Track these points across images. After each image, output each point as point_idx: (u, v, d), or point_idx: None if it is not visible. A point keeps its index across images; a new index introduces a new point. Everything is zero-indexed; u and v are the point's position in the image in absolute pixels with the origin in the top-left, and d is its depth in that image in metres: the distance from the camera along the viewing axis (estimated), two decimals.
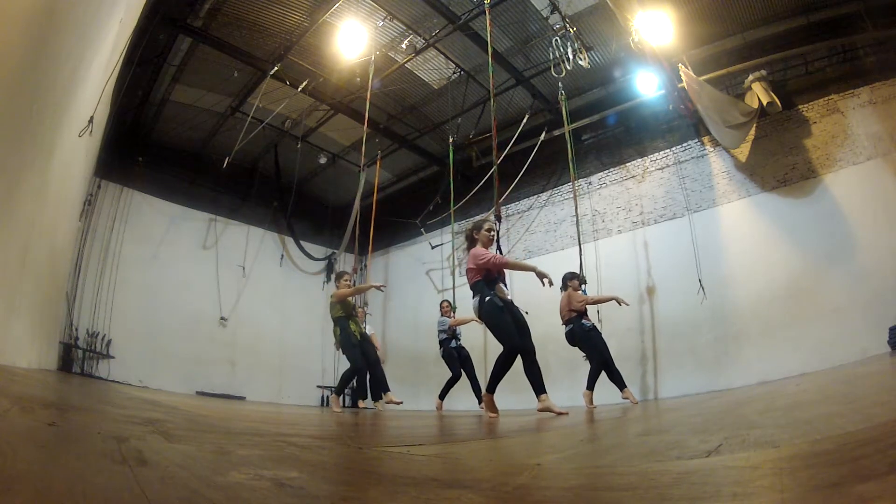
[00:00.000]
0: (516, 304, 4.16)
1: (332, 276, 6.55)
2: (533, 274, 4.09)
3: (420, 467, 1.46)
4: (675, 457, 1.38)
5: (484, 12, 6.26)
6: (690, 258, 7.17)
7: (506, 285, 4.13)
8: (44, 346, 5.35)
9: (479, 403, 6.40)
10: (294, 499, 0.91)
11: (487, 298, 3.93)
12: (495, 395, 4.04)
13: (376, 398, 6.14)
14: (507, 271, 4.30)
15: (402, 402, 5.95)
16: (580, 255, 6.76)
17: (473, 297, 4.08)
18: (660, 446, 1.75)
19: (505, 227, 9.78)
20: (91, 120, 4.46)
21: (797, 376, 5.60)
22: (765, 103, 6.73)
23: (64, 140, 4.20)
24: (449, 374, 6.67)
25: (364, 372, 5.92)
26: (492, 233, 4.27)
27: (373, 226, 8.05)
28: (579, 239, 7.03)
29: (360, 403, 6.57)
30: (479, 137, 9.26)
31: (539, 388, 3.95)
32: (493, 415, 3.97)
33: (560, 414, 3.89)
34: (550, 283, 4.06)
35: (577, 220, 7.11)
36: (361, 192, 7.82)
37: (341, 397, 6.32)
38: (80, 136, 4.31)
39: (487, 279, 4.03)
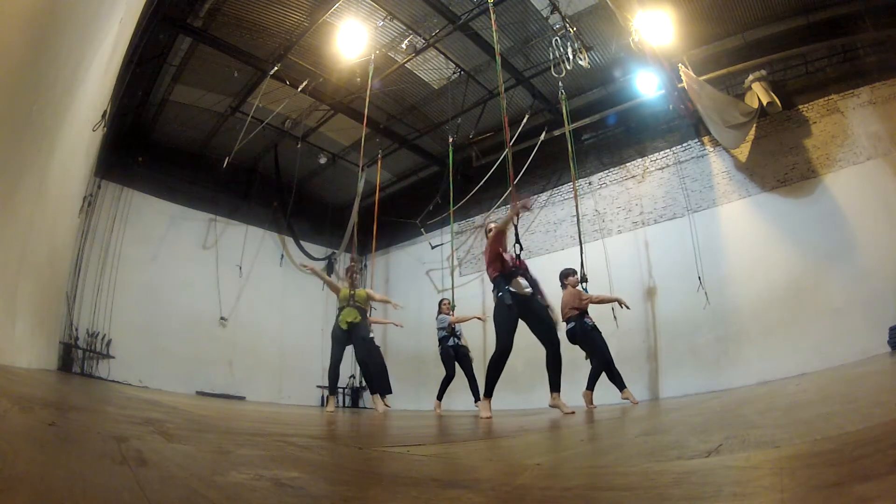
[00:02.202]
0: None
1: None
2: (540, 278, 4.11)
3: (420, 467, 1.46)
4: (675, 457, 1.38)
5: (484, 12, 6.26)
6: (691, 258, 7.17)
7: (529, 280, 4.03)
8: (44, 346, 5.34)
9: (476, 402, 6.39)
10: (294, 499, 0.91)
11: (499, 294, 3.90)
12: (493, 396, 3.99)
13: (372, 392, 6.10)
14: (528, 267, 4.23)
15: (381, 412, 5.87)
16: (581, 254, 6.74)
17: (493, 291, 4.06)
18: (660, 446, 1.76)
19: None
20: (105, 114, 4.46)
21: (797, 376, 5.60)
22: (765, 103, 6.73)
23: (64, 140, 4.19)
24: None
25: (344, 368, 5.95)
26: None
27: (376, 225, 8.03)
28: (580, 238, 6.99)
29: (379, 401, 6.43)
30: (479, 137, 9.25)
31: (554, 384, 3.95)
32: (486, 416, 3.92)
33: (567, 413, 3.89)
34: (527, 209, 4.05)
35: (578, 220, 7.07)
36: (361, 193, 7.82)
37: (342, 397, 6.27)
38: (94, 131, 4.31)
39: (504, 273, 3.97)
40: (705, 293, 6.89)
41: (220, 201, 10.06)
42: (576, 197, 7.33)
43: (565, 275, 5.86)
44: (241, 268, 10.00)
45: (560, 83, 7.00)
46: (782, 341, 6.18)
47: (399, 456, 1.71)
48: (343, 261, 11.63)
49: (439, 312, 6.86)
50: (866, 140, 6.23)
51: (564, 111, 7.28)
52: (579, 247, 6.88)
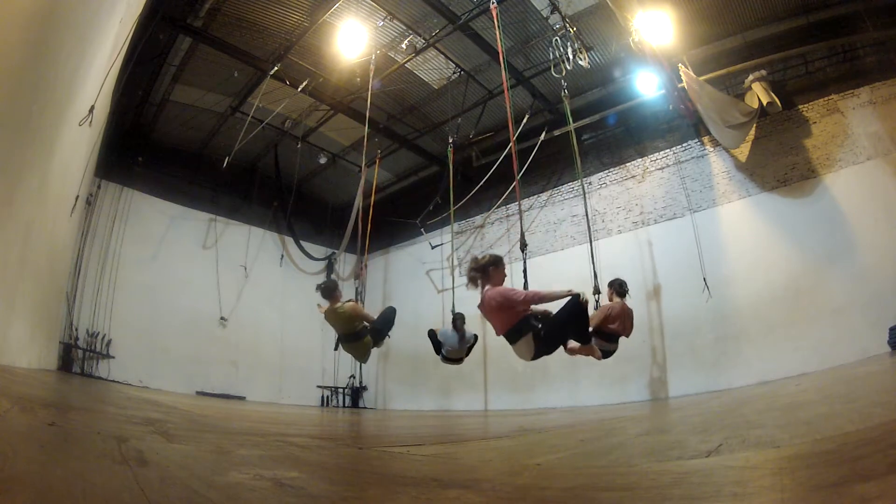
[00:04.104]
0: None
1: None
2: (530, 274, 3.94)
3: (420, 467, 1.46)
4: (676, 457, 1.38)
5: (484, 12, 6.24)
6: (691, 258, 7.17)
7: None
8: (44, 346, 5.34)
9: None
10: (294, 499, 0.91)
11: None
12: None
13: None
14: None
15: None
16: (591, 252, 6.10)
17: (522, 336, 3.35)
18: (660, 446, 1.76)
19: (505, 227, 9.78)
20: (92, 109, 4.44)
21: (797, 376, 5.60)
22: (765, 103, 6.72)
23: (64, 140, 4.19)
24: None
25: None
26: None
27: (370, 226, 7.95)
28: (590, 236, 6.43)
29: None
30: (479, 137, 9.25)
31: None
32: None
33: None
34: (586, 302, 3.60)
35: (588, 217, 6.60)
36: (362, 192, 7.80)
37: (342, 397, 6.03)
38: (80, 125, 4.30)
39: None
40: (709, 292, 6.85)
41: (220, 201, 10.06)
42: (584, 194, 7.17)
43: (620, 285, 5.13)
44: (245, 268, 10.01)
45: (563, 81, 6.91)
46: (782, 341, 6.18)
47: (399, 456, 1.71)
48: (344, 260, 11.63)
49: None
50: (866, 140, 6.23)
51: (566, 110, 7.16)
52: (590, 244, 6.26)
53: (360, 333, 4.94)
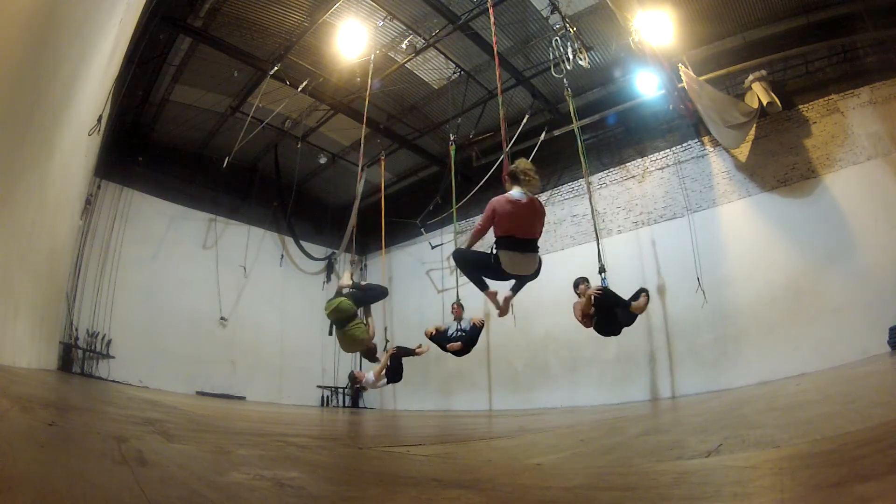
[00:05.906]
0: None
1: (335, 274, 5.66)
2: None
3: (420, 467, 1.46)
4: (675, 457, 1.38)
5: (484, 12, 6.22)
6: (691, 258, 7.17)
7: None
8: (44, 346, 5.34)
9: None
10: (294, 499, 0.91)
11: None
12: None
13: None
14: None
15: None
16: (598, 247, 5.85)
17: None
18: (660, 446, 1.76)
19: None
20: (100, 119, 4.47)
21: (797, 376, 5.60)
22: (765, 103, 6.72)
23: (64, 140, 4.20)
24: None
25: None
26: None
27: (384, 224, 7.87)
28: (597, 234, 6.30)
29: None
30: (479, 137, 9.24)
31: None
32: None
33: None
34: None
35: (594, 214, 6.50)
36: (361, 193, 7.78)
37: (342, 397, 6.07)
38: (89, 136, 4.32)
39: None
40: (703, 293, 6.87)
41: (220, 201, 10.07)
42: (589, 191, 7.08)
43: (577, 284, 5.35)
44: (245, 268, 10.02)
45: (565, 80, 6.87)
46: (782, 341, 6.18)
47: (399, 456, 1.71)
48: (344, 260, 11.62)
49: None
50: (866, 140, 6.23)
51: (571, 107, 7.08)
52: (596, 240, 6.01)
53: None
